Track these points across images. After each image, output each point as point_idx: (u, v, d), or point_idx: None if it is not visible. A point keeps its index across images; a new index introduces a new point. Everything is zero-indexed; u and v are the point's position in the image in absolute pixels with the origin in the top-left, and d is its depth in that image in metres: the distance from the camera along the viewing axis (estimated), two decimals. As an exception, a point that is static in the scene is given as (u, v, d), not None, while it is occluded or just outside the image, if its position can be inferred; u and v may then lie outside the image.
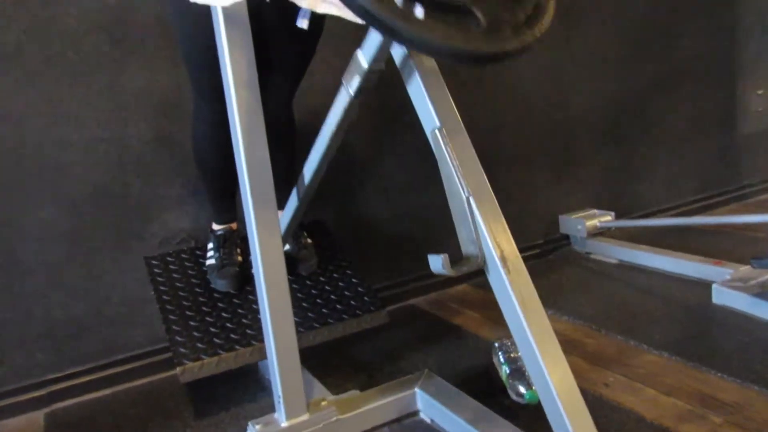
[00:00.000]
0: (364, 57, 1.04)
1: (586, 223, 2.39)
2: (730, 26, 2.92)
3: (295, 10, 1.12)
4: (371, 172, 2.12)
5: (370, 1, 0.70)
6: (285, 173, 1.63)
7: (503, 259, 0.97)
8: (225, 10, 1.10)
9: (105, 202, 1.70)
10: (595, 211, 2.48)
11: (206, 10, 1.13)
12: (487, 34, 0.75)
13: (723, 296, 1.83)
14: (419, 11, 0.87)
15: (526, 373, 1.38)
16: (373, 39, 1.01)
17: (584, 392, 1.01)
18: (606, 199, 2.59)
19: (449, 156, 0.99)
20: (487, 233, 0.97)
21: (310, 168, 1.38)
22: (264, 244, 1.18)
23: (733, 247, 2.26)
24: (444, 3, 0.77)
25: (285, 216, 1.55)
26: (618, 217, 2.48)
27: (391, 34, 0.73)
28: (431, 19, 0.75)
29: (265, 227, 1.18)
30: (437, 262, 0.95)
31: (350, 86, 1.10)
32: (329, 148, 1.28)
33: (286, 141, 1.63)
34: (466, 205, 0.98)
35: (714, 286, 1.86)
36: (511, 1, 0.80)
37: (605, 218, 2.43)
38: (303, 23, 1.14)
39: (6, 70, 1.55)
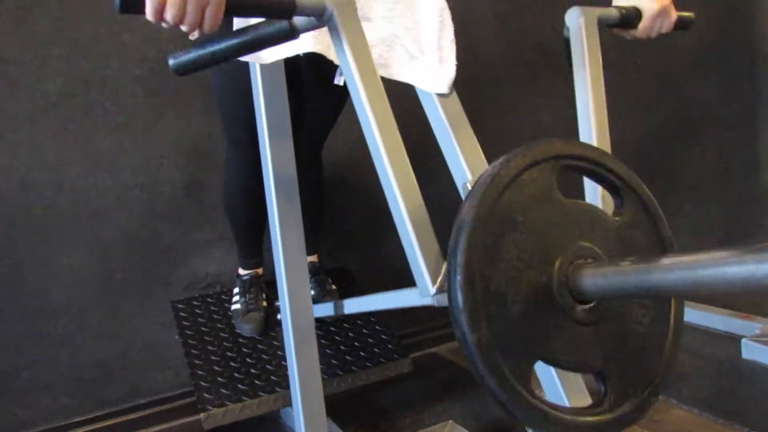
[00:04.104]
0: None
1: (609, 273, 2.37)
2: (753, 79, 2.95)
3: (329, 66, 1.16)
4: (395, 219, 2.14)
5: (511, 402, 0.64)
6: (313, 220, 1.66)
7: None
8: (263, 66, 1.14)
9: (135, 246, 1.74)
10: (618, 260, 2.46)
11: (245, 66, 1.18)
12: (614, 404, 0.71)
13: (753, 351, 1.79)
14: None
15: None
16: None
17: (615, 448, 0.99)
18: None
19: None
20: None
21: (351, 308, 1.35)
22: (292, 292, 1.20)
23: (761, 301, 2.22)
24: (578, 370, 0.73)
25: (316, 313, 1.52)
26: (642, 267, 2.45)
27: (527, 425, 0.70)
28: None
29: (295, 275, 1.20)
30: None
31: (423, 295, 0.91)
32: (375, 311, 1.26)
33: (314, 190, 1.66)
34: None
35: (744, 341, 1.83)
36: (637, 370, 0.74)
37: (629, 268, 2.41)
38: (340, 80, 1.18)
39: (47, 118, 1.62)
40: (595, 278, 0.66)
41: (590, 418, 0.69)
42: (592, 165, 0.76)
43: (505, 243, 0.67)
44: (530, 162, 0.72)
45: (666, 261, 0.59)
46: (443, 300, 0.79)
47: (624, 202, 0.77)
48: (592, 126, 1.05)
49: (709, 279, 0.53)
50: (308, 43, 1.03)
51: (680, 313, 0.77)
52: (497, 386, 0.64)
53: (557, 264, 0.68)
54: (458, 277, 0.64)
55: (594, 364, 0.70)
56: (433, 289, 0.81)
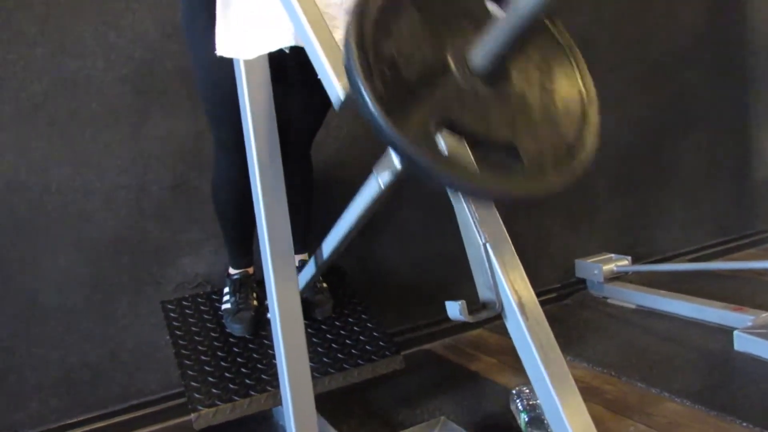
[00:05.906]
0: (397, 159, 0.94)
1: (603, 267, 2.38)
2: (743, 73, 2.96)
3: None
4: (388, 216, 2.13)
5: (413, 148, 0.66)
6: (303, 219, 1.65)
7: (521, 306, 0.97)
8: (247, 62, 1.13)
9: (123, 247, 1.73)
10: (612, 255, 2.47)
11: (229, 63, 1.17)
12: (530, 174, 0.73)
13: (745, 343, 1.80)
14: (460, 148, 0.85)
15: (545, 421, 1.36)
16: None
17: (606, 442, 0.99)
18: (622, 244, 2.58)
19: (466, 203, 1.00)
20: (505, 280, 0.97)
21: (330, 244, 1.30)
22: (281, 292, 1.19)
23: (752, 292, 2.23)
24: (486, 140, 0.74)
25: (301, 279, 1.53)
26: (634, 261, 2.46)
27: (436, 181, 0.70)
28: (475, 163, 0.73)
29: (282, 275, 1.19)
30: (455, 309, 0.95)
31: (381, 178, 0.98)
32: (351, 230, 1.19)
33: (304, 188, 1.66)
34: (483, 252, 0.98)
35: (736, 332, 1.83)
36: (554, 134, 0.77)
37: (622, 263, 2.42)
38: (323, 76, 1.17)
39: (33, 119, 1.60)
40: (484, 45, 0.70)
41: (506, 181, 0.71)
42: None
43: (398, 22, 0.69)
44: None
45: None
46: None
47: None
48: None
49: None
50: (291, 37, 1.02)
51: (582, 65, 0.83)
52: (397, 134, 0.64)
53: (450, 45, 0.72)
54: (350, 39, 0.65)
55: (501, 133, 0.72)
56: (341, 91, 0.80)
